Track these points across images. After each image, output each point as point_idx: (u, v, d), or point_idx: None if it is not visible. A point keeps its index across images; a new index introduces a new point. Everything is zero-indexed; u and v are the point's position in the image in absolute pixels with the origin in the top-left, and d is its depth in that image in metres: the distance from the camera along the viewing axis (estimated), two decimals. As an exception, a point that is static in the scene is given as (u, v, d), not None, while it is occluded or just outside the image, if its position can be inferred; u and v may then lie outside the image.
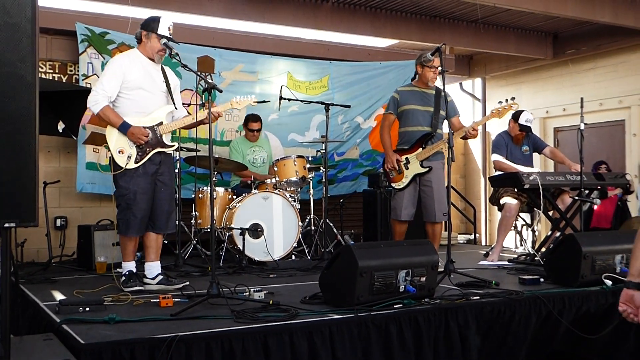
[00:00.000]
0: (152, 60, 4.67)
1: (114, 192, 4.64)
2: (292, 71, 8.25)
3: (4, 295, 2.56)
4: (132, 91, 4.55)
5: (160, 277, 4.61)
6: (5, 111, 2.50)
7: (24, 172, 2.54)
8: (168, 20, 4.64)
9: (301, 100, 7.20)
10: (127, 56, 4.69)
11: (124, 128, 4.46)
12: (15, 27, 2.53)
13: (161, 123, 4.62)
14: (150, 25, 4.62)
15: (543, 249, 6.15)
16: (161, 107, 4.67)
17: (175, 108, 4.76)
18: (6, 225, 2.49)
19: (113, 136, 4.52)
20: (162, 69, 4.75)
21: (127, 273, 4.58)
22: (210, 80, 4.16)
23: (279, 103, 6.66)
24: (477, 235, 9.97)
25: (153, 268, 4.65)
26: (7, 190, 2.50)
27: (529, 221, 6.85)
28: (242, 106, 4.82)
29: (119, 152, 4.49)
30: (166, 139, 4.64)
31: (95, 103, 4.48)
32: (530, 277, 4.71)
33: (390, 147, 5.60)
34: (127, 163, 4.47)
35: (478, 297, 4.00)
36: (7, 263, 2.61)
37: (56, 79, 7.04)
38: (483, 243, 10.67)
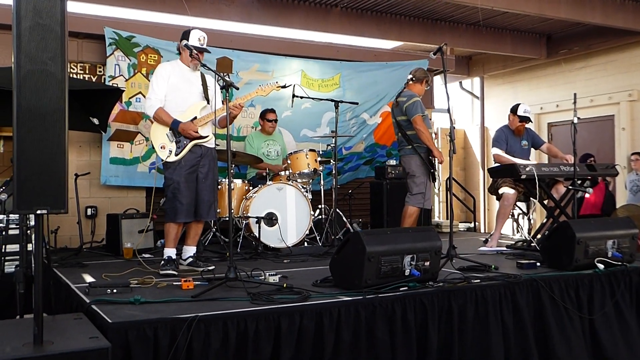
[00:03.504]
0: (189, 67, 4.79)
1: (163, 184, 4.77)
2: (306, 69, 8.16)
3: (37, 276, 2.54)
4: (172, 93, 4.71)
5: (191, 259, 4.75)
6: (37, 106, 2.49)
7: (55, 163, 2.53)
8: (199, 32, 4.77)
9: (312, 98, 7.14)
10: (170, 64, 4.87)
11: (176, 125, 4.63)
12: (46, 28, 2.51)
13: (195, 117, 4.70)
14: (183, 38, 4.77)
15: (539, 236, 6.08)
16: (195, 104, 4.75)
17: (208, 103, 4.80)
18: (38, 212, 2.48)
19: (157, 134, 4.71)
20: (202, 75, 4.86)
21: (167, 258, 4.63)
22: (227, 79, 4.12)
23: (292, 101, 6.62)
24: (477, 223, 9.92)
25: (187, 251, 4.81)
26: (39, 180, 2.48)
27: (525, 210, 6.77)
28: (267, 93, 4.90)
29: (161, 147, 4.66)
30: (201, 132, 4.69)
31: (150, 107, 4.70)
32: (528, 261, 4.64)
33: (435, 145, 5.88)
34: (168, 156, 4.62)
35: (479, 281, 3.95)
36: (40, 247, 2.60)
37: (86, 79, 7.02)
38: (482, 230, 10.61)
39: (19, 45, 2.45)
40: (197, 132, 4.63)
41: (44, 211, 2.48)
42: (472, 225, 9.55)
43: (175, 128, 4.63)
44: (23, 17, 2.46)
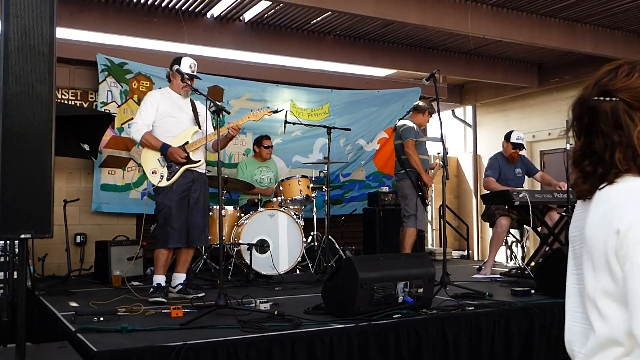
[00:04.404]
0: (180, 94, 4.82)
1: (155, 209, 4.75)
2: (295, 99, 8.18)
3: (20, 302, 2.47)
4: (162, 119, 4.72)
5: (180, 286, 4.70)
6: (23, 128, 2.45)
7: (40, 187, 2.48)
8: (189, 59, 4.81)
9: (304, 124, 7.14)
10: (160, 92, 4.91)
11: (164, 149, 4.62)
12: (34, 49, 2.49)
13: (187, 142, 4.70)
14: (174, 64, 4.78)
15: (533, 263, 6.03)
16: (186, 129, 4.76)
17: (199, 128, 4.80)
18: (22, 236, 2.42)
19: (147, 159, 4.70)
20: (192, 102, 4.89)
21: (156, 285, 4.57)
22: (219, 103, 4.12)
23: (284, 127, 6.61)
24: (470, 250, 9.84)
25: (177, 278, 4.76)
26: (23, 204, 2.44)
27: (518, 237, 6.74)
28: (258, 118, 4.94)
29: (152, 172, 4.64)
30: (193, 157, 4.69)
31: (136, 132, 4.68)
32: (522, 288, 4.60)
33: (423, 169, 5.95)
34: (159, 181, 4.60)
35: (473, 308, 3.89)
36: (24, 272, 2.53)
37: (78, 105, 6.99)
38: (476, 258, 10.54)
39: (7, 66, 2.43)
40: (183, 157, 4.61)
41: (28, 235, 2.43)
42: (465, 252, 9.48)
43: (165, 152, 4.61)
44: (11, 38, 2.44)
